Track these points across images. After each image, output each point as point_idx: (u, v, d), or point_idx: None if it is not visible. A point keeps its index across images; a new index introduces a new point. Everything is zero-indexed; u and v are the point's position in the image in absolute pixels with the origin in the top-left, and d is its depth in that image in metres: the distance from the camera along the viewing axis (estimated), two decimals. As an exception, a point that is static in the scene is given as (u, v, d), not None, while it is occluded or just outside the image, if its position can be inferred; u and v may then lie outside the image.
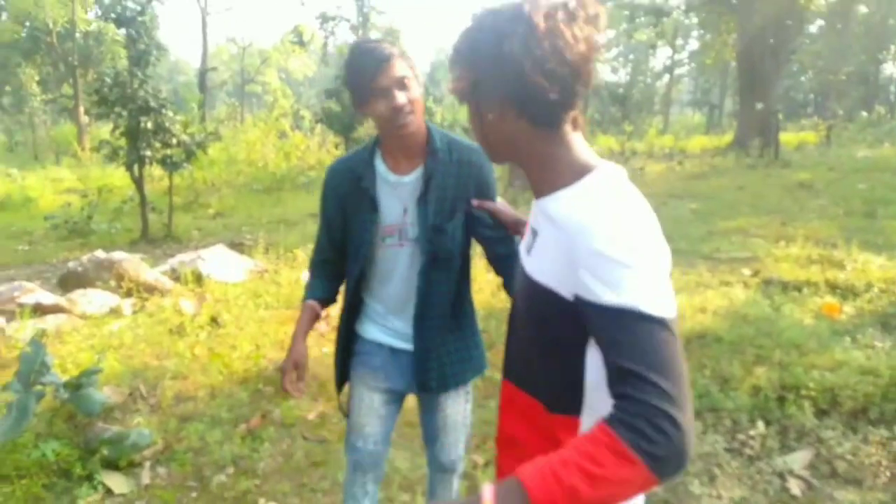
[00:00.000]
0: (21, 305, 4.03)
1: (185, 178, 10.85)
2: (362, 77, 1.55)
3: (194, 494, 2.56)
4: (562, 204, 0.96)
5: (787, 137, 19.42)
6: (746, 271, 5.40)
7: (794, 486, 2.95)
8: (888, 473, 3.02)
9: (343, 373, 1.84)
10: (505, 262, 1.71)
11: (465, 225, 1.72)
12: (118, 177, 10.96)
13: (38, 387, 2.63)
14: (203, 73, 21.47)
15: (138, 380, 3.34)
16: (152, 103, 7.49)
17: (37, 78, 25.45)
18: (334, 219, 1.75)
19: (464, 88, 1.00)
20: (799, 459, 3.10)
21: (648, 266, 0.89)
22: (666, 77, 42.49)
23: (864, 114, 26.86)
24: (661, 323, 0.85)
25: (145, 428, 2.84)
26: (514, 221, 1.58)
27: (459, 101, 1.03)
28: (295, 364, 1.65)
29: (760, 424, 3.31)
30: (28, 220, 9.10)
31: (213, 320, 4.11)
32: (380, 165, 1.68)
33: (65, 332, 3.89)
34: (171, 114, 7.63)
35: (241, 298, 4.44)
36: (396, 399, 1.84)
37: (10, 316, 3.95)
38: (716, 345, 3.88)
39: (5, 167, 15.17)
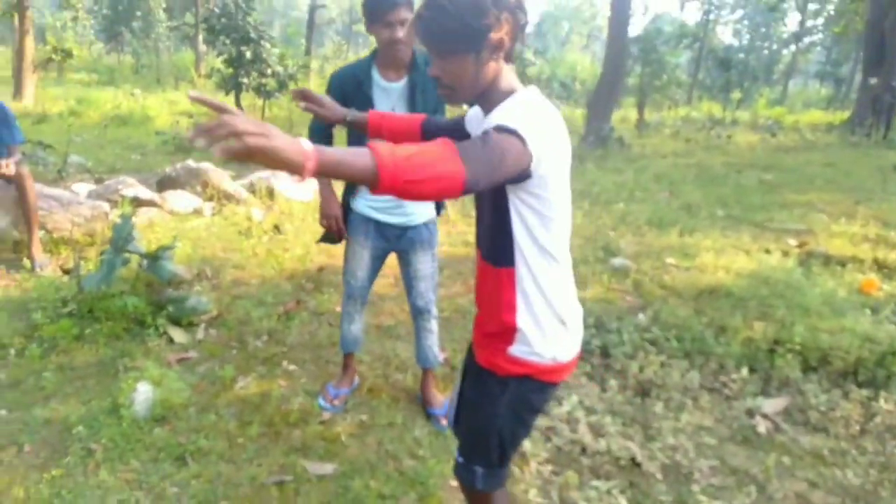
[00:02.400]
0: (122, 196, 4.83)
1: (282, 109, 11.72)
2: (378, 10, 2.20)
3: (234, 352, 3.18)
4: (494, 114, 1.34)
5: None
6: (792, 242, 5.40)
7: (761, 425, 3.15)
8: (858, 427, 3.18)
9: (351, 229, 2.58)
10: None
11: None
12: (227, 102, 11.90)
13: (125, 254, 3.30)
14: (312, 10, 22.24)
15: (206, 265, 4.01)
16: (252, 34, 8.14)
17: (163, 5, 27.21)
18: None
19: (460, 44, 1.27)
20: (774, 404, 3.29)
21: (531, 129, 1.21)
22: (793, 45, 39.39)
23: None
24: (517, 134, 1.18)
25: (206, 300, 3.48)
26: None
27: (449, 57, 1.29)
28: (336, 218, 2.49)
29: (745, 371, 3.51)
30: (144, 135, 10.19)
31: (276, 228, 4.75)
32: (375, 74, 2.36)
33: (155, 222, 4.66)
34: (268, 45, 8.26)
35: (303, 213, 5.06)
36: (380, 255, 2.61)
37: (114, 205, 4.75)
38: (724, 298, 4.06)
39: (130, 87, 16.73)
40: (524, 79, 18.04)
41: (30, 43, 14.37)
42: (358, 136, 2.42)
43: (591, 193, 6.74)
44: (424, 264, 2.59)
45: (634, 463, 2.84)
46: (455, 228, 5.25)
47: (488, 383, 1.51)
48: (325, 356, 3.17)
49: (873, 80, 14.83)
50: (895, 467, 2.87)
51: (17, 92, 14.09)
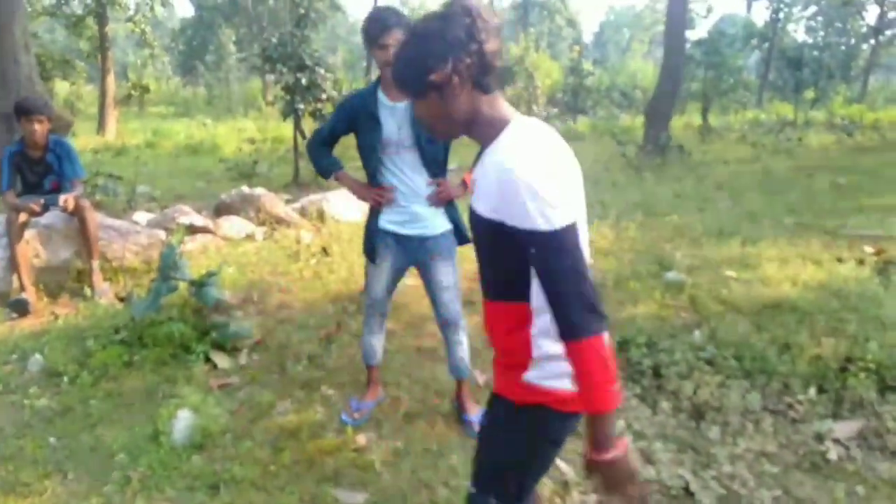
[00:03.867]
0: (178, 224, 5.02)
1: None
2: (372, 33, 2.33)
3: (275, 376, 3.20)
4: (493, 155, 1.29)
5: None
6: (869, 249, 5.02)
7: (831, 451, 2.91)
8: (942, 455, 2.89)
9: (372, 248, 2.65)
10: None
11: None
12: (288, 128, 12.32)
13: (173, 281, 3.39)
14: (370, 35, 22.80)
15: (253, 289, 4.09)
16: (308, 62, 8.37)
17: (234, 38, 28.56)
18: (339, 126, 2.56)
19: (437, 81, 1.25)
20: (846, 428, 3.04)
21: (543, 188, 1.18)
22: (872, 39, 37.08)
23: None
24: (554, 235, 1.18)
25: (249, 325, 3.53)
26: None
27: (417, 100, 1.32)
28: (368, 187, 2.56)
29: (812, 391, 3.25)
30: (213, 162, 10.65)
31: (324, 250, 4.81)
32: (381, 95, 2.45)
33: (208, 248, 4.82)
34: (323, 72, 8.47)
35: (351, 233, 5.11)
36: (401, 268, 2.67)
37: (170, 232, 4.94)
38: (789, 313, 3.80)
39: (203, 118, 17.59)
40: (582, 90, 17.86)
41: (111, 81, 15.38)
42: (376, 171, 2.53)
43: (646, 204, 6.51)
44: (446, 275, 2.61)
45: (688, 492, 2.67)
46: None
47: (503, 411, 1.45)
48: (364, 379, 3.14)
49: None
50: None
51: (101, 127, 15.09)
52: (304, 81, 8.31)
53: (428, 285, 2.68)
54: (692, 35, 18.67)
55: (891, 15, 35.99)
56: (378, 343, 2.85)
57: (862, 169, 8.70)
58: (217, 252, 4.83)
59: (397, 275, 2.70)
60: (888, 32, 37.16)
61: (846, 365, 3.30)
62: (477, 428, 2.72)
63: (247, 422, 2.82)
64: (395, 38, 2.27)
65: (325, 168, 2.63)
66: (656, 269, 4.51)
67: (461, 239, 2.67)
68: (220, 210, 5.85)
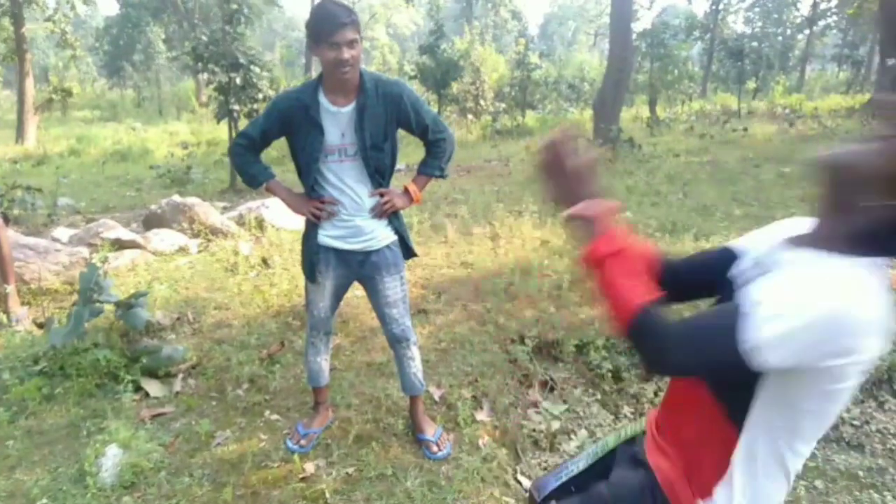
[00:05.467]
0: (103, 240, 4.67)
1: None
2: (323, 30, 2.05)
3: (214, 403, 2.96)
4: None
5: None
6: (815, 238, 5.08)
7: (792, 450, 2.89)
8: (893, 441, 2.90)
9: (311, 265, 2.41)
10: (438, 146, 2.39)
11: (395, 144, 2.31)
12: (223, 131, 11.88)
13: (97, 304, 3.11)
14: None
15: (188, 307, 3.81)
16: (242, 60, 8.02)
17: (163, 36, 27.44)
18: (271, 129, 2.29)
19: None
20: (805, 424, 3.02)
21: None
22: (807, 30, 38.40)
23: None
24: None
25: (184, 347, 3.27)
26: None
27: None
28: (307, 200, 2.31)
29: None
30: (143, 169, 10.14)
31: (264, 261, 4.55)
32: (322, 98, 2.20)
33: (137, 265, 4.48)
34: (258, 69, 8.13)
35: (292, 242, 4.86)
36: (343, 284, 2.49)
37: (95, 249, 4.59)
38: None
39: (132, 121, 16.83)
40: (529, 84, 17.84)
41: (30, 85, 14.53)
42: (314, 181, 2.29)
43: (598, 200, 6.46)
44: (393, 290, 2.44)
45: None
46: (454, 249, 5.00)
47: (642, 482, 1.27)
48: (310, 401, 2.94)
49: (892, 61, 14.30)
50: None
51: (20, 135, 14.23)
52: (238, 81, 7.97)
53: (374, 301, 2.49)
54: (637, 27, 18.91)
55: (823, 6, 37.40)
56: (324, 363, 2.66)
57: (805, 158, 8.90)
58: (147, 268, 4.50)
59: (340, 292, 2.51)
60: (822, 23, 38.62)
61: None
62: (434, 448, 2.59)
63: (183, 455, 2.58)
64: (347, 37, 2.05)
65: (254, 176, 2.36)
66: None
67: (407, 252, 2.51)
68: (150, 222, 5.49)
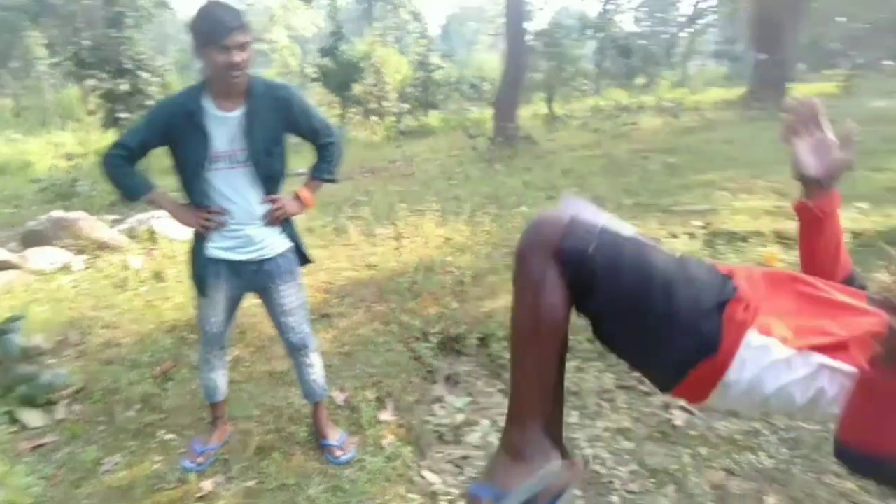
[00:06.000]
0: (-27, 261, 4.33)
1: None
2: (213, 33, 1.99)
3: (101, 427, 2.81)
4: None
5: (806, 89, 18.80)
6: (698, 223, 5.42)
7: (678, 418, 3.09)
8: (769, 407, 3.15)
9: (201, 279, 2.33)
10: (328, 149, 2.37)
11: (285, 149, 2.27)
12: (112, 140, 11.21)
13: (-37, 332, 2.87)
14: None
15: (72, 328, 3.59)
16: (129, 65, 7.63)
17: (44, 41, 25.48)
18: (152, 138, 2.18)
19: None
20: (689, 394, 3.23)
21: None
22: (689, 28, 40.95)
23: (889, 63, 25.65)
24: None
25: (68, 371, 3.08)
26: None
27: None
28: (193, 211, 2.22)
29: (658, 364, 3.43)
30: (23, 183, 9.42)
31: (157, 275, 4.36)
32: (207, 103, 2.13)
33: (14, 287, 4.18)
34: (147, 75, 7.77)
35: (188, 254, 4.66)
36: (236, 297, 2.42)
37: (-35, 271, 4.24)
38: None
39: (11, 132, 15.56)
40: (431, 84, 18.00)
41: None
42: (201, 191, 2.20)
43: (498, 196, 6.63)
44: (290, 297, 2.40)
45: (554, 483, 2.68)
46: (358, 251, 4.99)
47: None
48: (208, 417, 2.85)
49: (762, 56, 15.53)
50: (805, 442, 2.84)
51: None
52: (125, 87, 7.57)
53: (271, 310, 2.45)
54: (533, 27, 19.47)
55: (702, 5, 40.01)
56: (221, 378, 2.58)
57: (688, 148, 9.49)
58: (26, 290, 4.20)
59: (234, 305, 2.45)
60: (702, 21, 41.31)
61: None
62: (337, 453, 2.58)
63: (68, 486, 2.44)
64: (238, 40, 2.00)
65: (133, 189, 2.25)
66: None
67: (302, 259, 2.47)
68: (29, 240, 5.11)
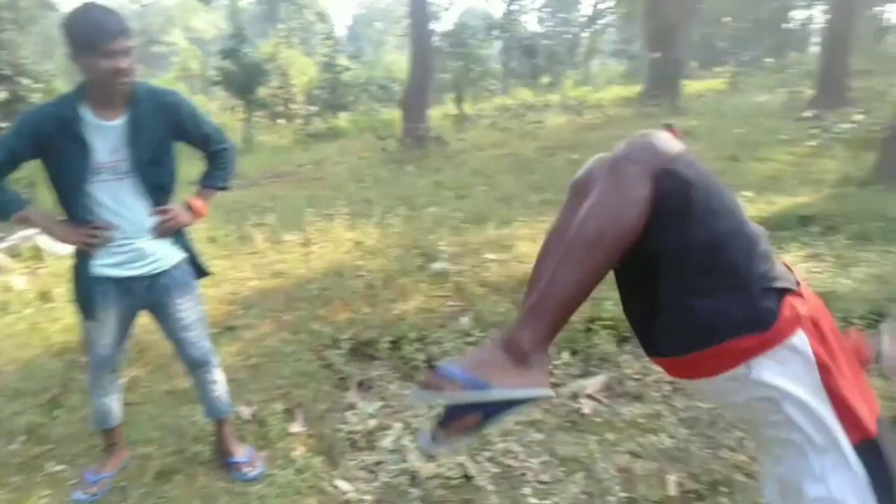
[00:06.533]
0: None
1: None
2: (96, 38, 1.86)
3: (-20, 465, 2.59)
4: None
5: (697, 86, 19.96)
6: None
7: (586, 406, 3.19)
8: (669, 388, 3.31)
9: (88, 301, 2.18)
10: (220, 156, 2.30)
11: (173, 158, 2.17)
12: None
13: None
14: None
15: (-56, 360, 3.29)
16: (7, 71, 7.08)
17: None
18: (22, 150, 2.02)
19: None
20: (594, 383, 3.34)
21: None
22: (590, 28, 42.53)
23: (770, 60, 27.69)
24: None
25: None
26: None
27: None
28: (70, 227, 2.08)
29: (566, 355, 3.54)
30: None
31: (44, 295, 4.06)
32: (86, 112, 2.00)
33: None
34: (28, 82, 7.23)
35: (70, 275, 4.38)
36: (129, 316, 2.28)
37: None
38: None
39: None
40: (339, 86, 17.80)
41: None
42: (83, 205, 2.05)
43: (408, 198, 6.64)
44: (187, 311, 2.29)
45: (468, 479, 2.71)
46: (264, 259, 4.85)
47: None
48: (101, 444, 2.68)
49: (656, 55, 16.36)
50: (702, 421, 3.00)
51: None
52: (3, 95, 7.02)
53: (168, 327, 2.32)
54: (439, 27, 19.65)
55: (601, 6, 41.71)
56: (114, 402, 2.43)
57: (590, 144, 9.84)
58: None
59: (126, 325, 2.30)
60: (601, 22, 43.07)
61: (590, 325, 3.63)
62: (245, 469, 2.49)
63: (-58, 533, 2.23)
64: (123, 45, 1.89)
65: (4, 206, 2.09)
66: (422, 261, 4.58)
67: (198, 272, 2.37)
68: None
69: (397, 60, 33.73)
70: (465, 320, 3.75)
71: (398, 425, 2.98)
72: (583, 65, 39.34)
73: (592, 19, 41.29)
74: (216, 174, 2.35)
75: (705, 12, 25.29)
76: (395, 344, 3.54)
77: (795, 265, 3.81)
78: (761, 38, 34.01)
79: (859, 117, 9.44)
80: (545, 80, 22.77)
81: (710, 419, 3.01)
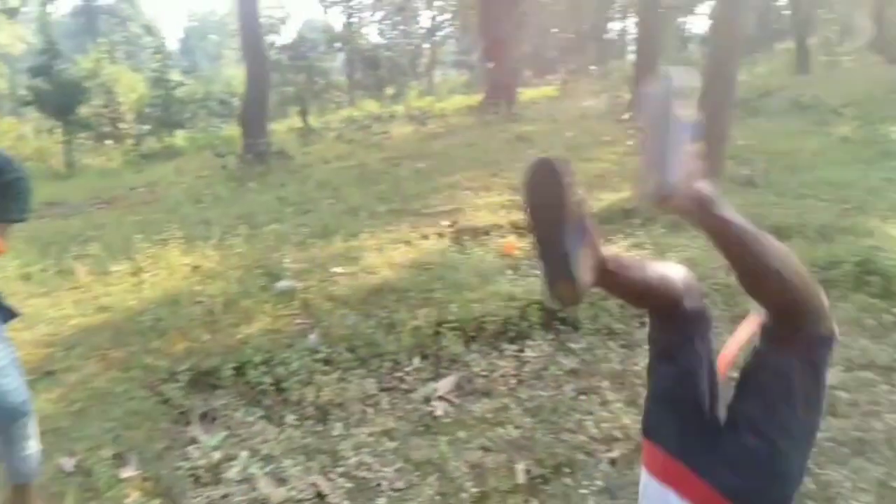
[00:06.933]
0: None
1: None
2: None
3: None
4: None
5: (532, 93, 21.17)
6: (446, 222, 5.76)
7: (439, 409, 3.25)
8: (514, 381, 3.47)
9: None
10: (13, 186, 2.11)
11: None
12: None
13: None
14: None
15: None
16: None
17: None
18: None
19: None
20: (445, 384, 3.43)
21: None
22: (430, 40, 43.66)
23: (594, 67, 30.08)
24: None
25: None
26: None
27: None
28: None
29: (416, 360, 3.59)
30: None
31: None
32: None
33: None
34: None
35: None
36: None
37: None
38: (389, 294, 4.10)
39: None
40: (173, 102, 16.76)
41: None
42: None
43: (250, 216, 6.38)
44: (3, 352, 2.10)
45: (321, 498, 2.67)
46: (87, 293, 4.43)
47: None
48: None
49: (491, 65, 17.18)
50: (546, 408, 3.18)
51: None
52: None
53: None
54: (279, 40, 19.16)
55: (439, 18, 43.02)
56: None
57: (434, 153, 10.06)
58: None
59: None
60: (440, 33, 44.43)
61: (438, 329, 3.72)
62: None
63: None
64: None
65: None
66: (266, 281, 4.42)
67: (5, 314, 2.14)
68: None
69: (237, 75, 32.41)
70: (312, 337, 3.68)
71: (244, 453, 2.86)
72: (425, 75, 40.31)
73: (432, 31, 42.49)
74: (11, 206, 2.14)
75: (535, 24, 26.96)
76: (240, 370, 3.39)
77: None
78: (586, 48, 36.94)
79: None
80: (390, 91, 23.01)
81: (552, 406, 3.20)
